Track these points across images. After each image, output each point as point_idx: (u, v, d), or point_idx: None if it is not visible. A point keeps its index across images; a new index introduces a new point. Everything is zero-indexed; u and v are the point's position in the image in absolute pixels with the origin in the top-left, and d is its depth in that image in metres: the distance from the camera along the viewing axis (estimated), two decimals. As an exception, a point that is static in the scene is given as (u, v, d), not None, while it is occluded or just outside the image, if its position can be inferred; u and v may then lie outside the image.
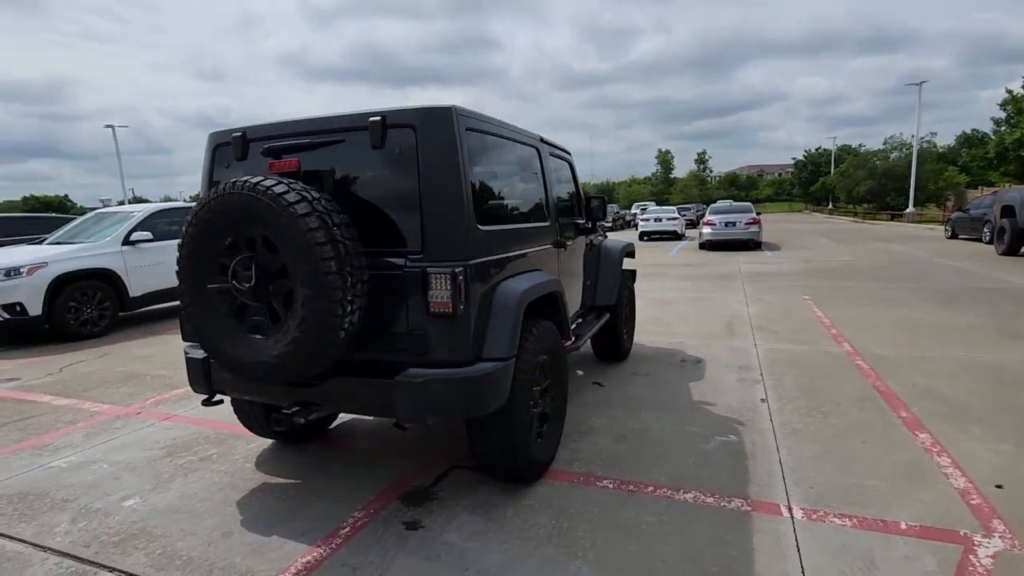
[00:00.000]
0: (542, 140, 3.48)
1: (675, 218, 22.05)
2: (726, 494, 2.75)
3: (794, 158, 67.61)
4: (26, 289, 6.45)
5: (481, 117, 2.66)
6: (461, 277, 2.31)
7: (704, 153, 76.35)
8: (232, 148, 2.69)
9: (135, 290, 7.40)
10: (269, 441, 3.55)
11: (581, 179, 4.46)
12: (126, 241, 7.37)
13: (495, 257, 2.59)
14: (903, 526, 2.44)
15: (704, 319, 6.88)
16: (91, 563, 2.37)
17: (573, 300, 4.02)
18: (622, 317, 4.87)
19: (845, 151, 52.18)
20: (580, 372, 4.87)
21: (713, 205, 19.34)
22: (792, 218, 41.60)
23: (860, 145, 49.15)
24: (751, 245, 16.47)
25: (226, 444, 3.55)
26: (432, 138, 2.35)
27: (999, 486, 2.74)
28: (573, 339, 3.57)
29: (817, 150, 63.14)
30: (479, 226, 2.48)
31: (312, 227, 2.12)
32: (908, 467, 2.97)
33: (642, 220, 22.33)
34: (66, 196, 60.38)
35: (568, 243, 3.65)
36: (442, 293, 2.30)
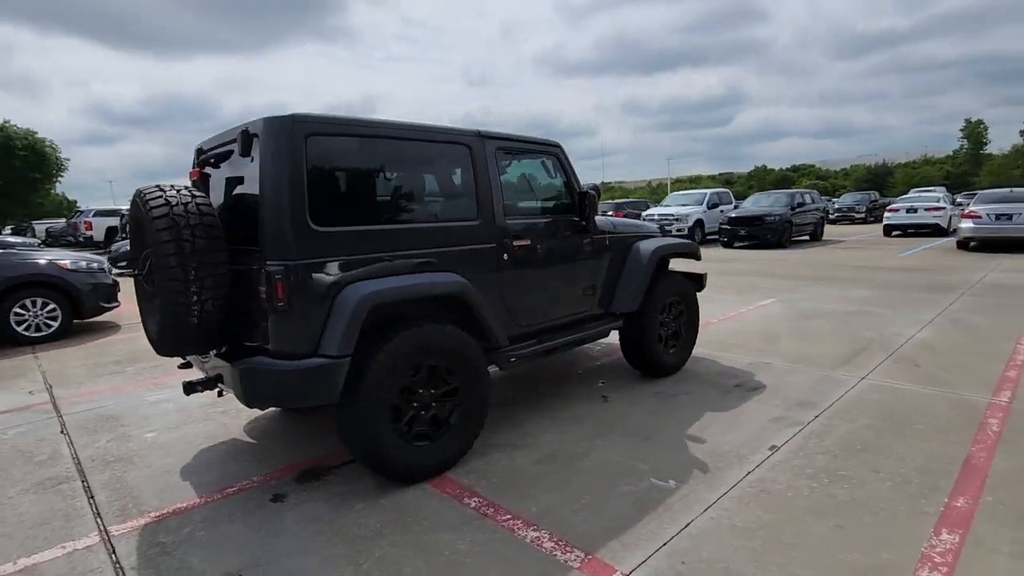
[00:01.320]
0: (481, 135, 3.32)
1: (938, 208, 17.44)
2: (572, 543, 2.37)
3: None
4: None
5: (343, 121, 2.72)
6: (279, 276, 2.47)
7: (1040, 121, 57.31)
8: (195, 159, 3.26)
9: None
10: (277, 405, 4.16)
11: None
12: None
13: (341, 258, 2.64)
14: (733, 642, 1.81)
15: (833, 340, 5.54)
16: (80, 472, 3.22)
17: (555, 303, 3.74)
18: (653, 328, 4.29)
19: None
20: (602, 382, 4.48)
21: (983, 192, 14.75)
22: None
23: None
24: (1041, 245, 12.20)
25: (250, 402, 4.28)
26: (268, 145, 2.54)
27: (966, 636, 1.80)
28: (508, 346, 3.36)
29: None
30: (317, 227, 2.58)
31: (160, 228, 2.52)
32: (858, 573, 2.12)
33: (889, 211, 18.25)
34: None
35: (523, 243, 3.42)
36: (264, 289, 2.49)
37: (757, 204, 17.13)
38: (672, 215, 17.10)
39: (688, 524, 2.49)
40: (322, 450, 3.41)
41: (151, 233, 2.55)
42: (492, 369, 3.48)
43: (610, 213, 19.81)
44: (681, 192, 20.94)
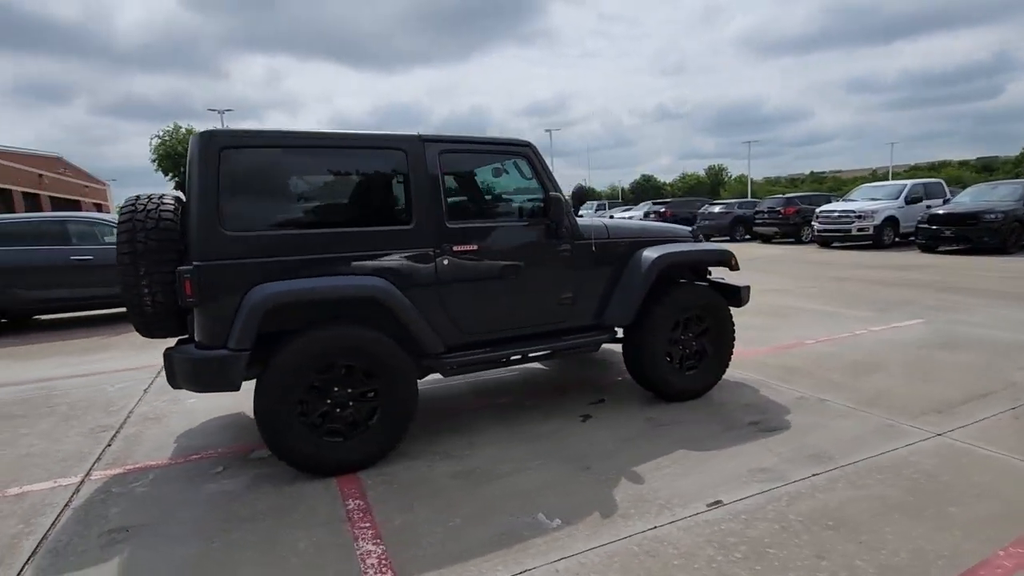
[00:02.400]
0: (422, 139, 3.25)
1: None
2: (394, 566, 2.29)
3: None
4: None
5: (257, 134, 2.92)
6: (187, 275, 2.78)
7: None
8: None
9: None
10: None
11: None
12: None
13: (254, 260, 2.86)
14: None
15: (954, 379, 4.29)
16: (123, 424, 4.00)
17: (514, 313, 3.54)
18: (653, 345, 3.79)
19: None
20: (602, 400, 4.10)
21: None
22: None
23: None
24: None
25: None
26: (191, 158, 2.85)
27: None
28: (446, 353, 3.29)
29: None
30: (228, 232, 2.83)
31: (120, 231, 3.02)
32: None
33: None
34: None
35: (467, 248, 3.30)
36: (179, 287, 2.83)
37: (978, 198, 13.66)
38: (854, 211, 14.52)
39: (525, 571, 2.22)
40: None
41: (117, 235, 3.07)
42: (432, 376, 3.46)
43: (778, 209, 17.59)
44: (873, 184, 17.68)
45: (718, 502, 2.67)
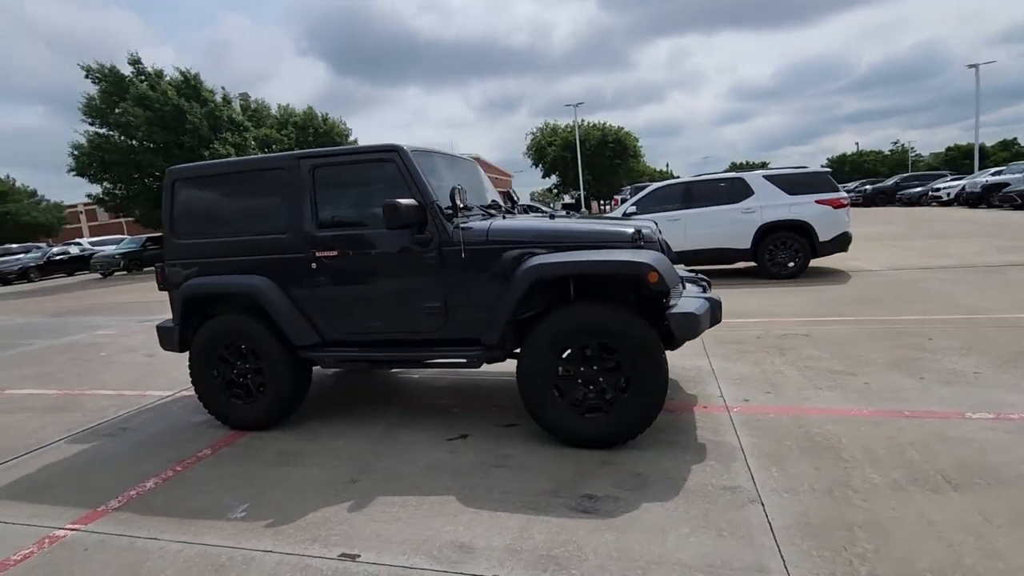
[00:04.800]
0: (298, 157, 3.58)
1: None
2: (128, 494, 3.00)
3: None
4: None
5: (201, 167, 3.92)
6: (159, 269, 4.02)
7: None
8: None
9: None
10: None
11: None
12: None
13: (187, 261, 3.87)
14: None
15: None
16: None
17: (376, 317, 3.61)
18: (531, 373, 3.19)
19: None
20: (518, 424, 3.65)
21: None
22: None
23: None
24: None
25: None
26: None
27: None
28: (312, 347, 3.69)
29: None
30: (176, 240, 3.91)
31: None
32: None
33: None
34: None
35: (329, 253, 3.54)
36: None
37: None
38: None
39: (154, 539, 2.60)
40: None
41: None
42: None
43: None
44: None
45: (354, 556, 2.36)
